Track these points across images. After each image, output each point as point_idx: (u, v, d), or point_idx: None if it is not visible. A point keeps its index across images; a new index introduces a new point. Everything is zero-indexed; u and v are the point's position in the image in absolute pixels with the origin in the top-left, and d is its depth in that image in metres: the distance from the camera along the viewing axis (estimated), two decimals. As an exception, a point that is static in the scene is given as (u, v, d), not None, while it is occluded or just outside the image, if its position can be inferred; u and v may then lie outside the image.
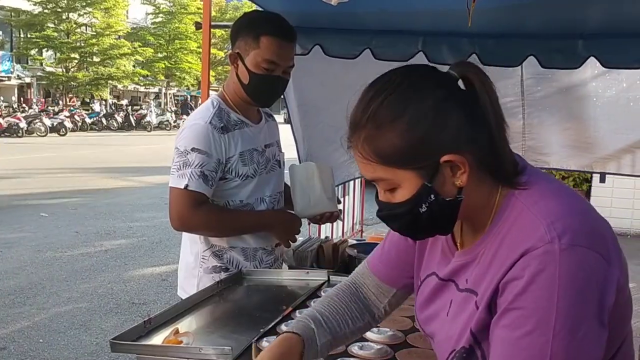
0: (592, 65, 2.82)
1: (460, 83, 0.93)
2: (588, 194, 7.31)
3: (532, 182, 0.92)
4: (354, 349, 1.30)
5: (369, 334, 1.39)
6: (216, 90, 2.19)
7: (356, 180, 5.02)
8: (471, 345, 0.91)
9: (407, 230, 0.98)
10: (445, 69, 0.96)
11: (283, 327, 1.41)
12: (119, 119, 27.21)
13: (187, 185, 1.75)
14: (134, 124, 27.22)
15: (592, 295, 0.81)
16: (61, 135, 22.49)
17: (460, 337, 0.93)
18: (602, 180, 3.42)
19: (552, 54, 2.60)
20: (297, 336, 1.05)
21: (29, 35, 30.08)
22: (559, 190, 0.92)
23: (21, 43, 30.59)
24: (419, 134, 0.87)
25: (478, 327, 0.90)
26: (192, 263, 1.92)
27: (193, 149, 1.76)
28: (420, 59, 2.73)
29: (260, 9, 2.62)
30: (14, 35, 31.35)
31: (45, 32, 28.80)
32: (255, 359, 1.04)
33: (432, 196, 0.89)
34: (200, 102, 2.50)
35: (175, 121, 27.66)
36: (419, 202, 0.90)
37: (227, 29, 2.45)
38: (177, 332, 1.38)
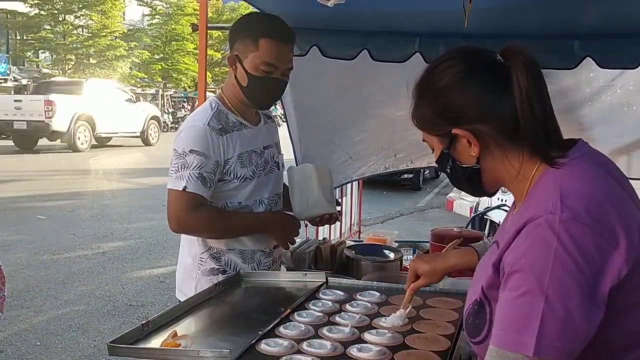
0: (586, 70, 2.84)
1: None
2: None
3: (573, 164, 0.96)
4: (353, 350, 1.30)
5: (367, 336, 1.38)
6: (213, 92, 2.18)
7: (354, 182, 5.00)
8: (482, 300, 1.00)
9: (452, 184, 1.17)
10: None
11: (282, 330, 1.41)
12: (116, 121, 27.11)
13: (185, 187, 1.75)
14: (131, 126, 27.12)
15: (586, 270, 0.84)
16: (58, 136, 22.38)
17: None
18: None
19: (548, 54, 2.61)
20: (473, 249, 1.44)
21: (25, 37, 29.98)
22: (591, 177, 0.95)
23: (17, 45, 30.47)
24: (438, 107, 1.05)
25: (487, 285, 0.99)
26: (190, 265, 1.92)
27: (191, 151, 1.76)
28: (417, 59, 2.74)
29: (257, 10, 2.62)
30: (10, 37, 31.24)
31: (41, 34, 28.70)
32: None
33: (450, 161, 1.07)
34: (197, 103, 2.49)
35: (172, 122, 27.59)
36: (443, 164, 1.09)
37: (224, 31, 2.45)
38: (175, 335, 1.37)
